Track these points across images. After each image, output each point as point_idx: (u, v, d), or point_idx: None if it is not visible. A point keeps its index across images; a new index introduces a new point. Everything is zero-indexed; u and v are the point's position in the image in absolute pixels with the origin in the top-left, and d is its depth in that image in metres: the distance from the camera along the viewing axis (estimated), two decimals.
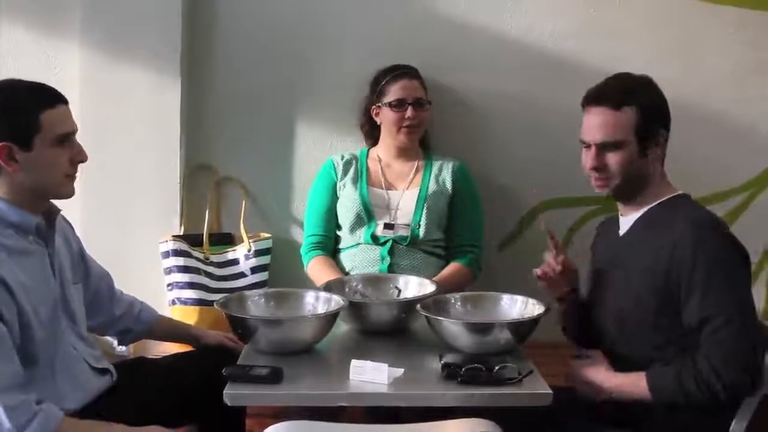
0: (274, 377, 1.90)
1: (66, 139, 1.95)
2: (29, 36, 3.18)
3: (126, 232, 3.16)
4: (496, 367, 1.93)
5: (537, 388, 1.92)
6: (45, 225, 2.02)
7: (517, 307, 2.28)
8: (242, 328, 2.12)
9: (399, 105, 2.92)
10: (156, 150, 3.13)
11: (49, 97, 1.94)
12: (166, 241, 3.10)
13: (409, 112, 2.91)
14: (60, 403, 1.96)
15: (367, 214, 2.91)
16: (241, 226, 3.22)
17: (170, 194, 3.17)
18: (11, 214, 1.93)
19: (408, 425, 1.36)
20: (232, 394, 1.87)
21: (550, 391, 1.90)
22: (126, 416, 2.06)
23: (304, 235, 3.04)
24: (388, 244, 2.88)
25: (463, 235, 2.98)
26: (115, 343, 2.40)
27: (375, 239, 2.89)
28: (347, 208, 2.94)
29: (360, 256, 2.91)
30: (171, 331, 2.51)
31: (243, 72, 3.23)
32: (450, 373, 1.94)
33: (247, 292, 2.37)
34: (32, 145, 1.89)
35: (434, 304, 2.26)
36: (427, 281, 2.48)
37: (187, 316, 3.03)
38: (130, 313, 2.40)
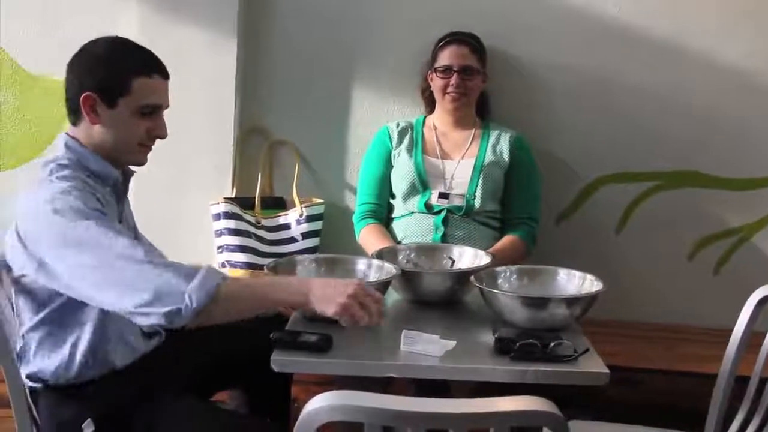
0: (324, 345, 1.86)
1: (151, 111, 1.93)
2: None
3: (177, 194, 3.15)
4: (551, 344, 1.86)
5: (593, 366, 1.85)
6: (121, 181, 2.02)
7: (574, 282, 2.21)
8: None
9: (445, 72, 2.87)
10: (211, 111, 3.12)
11: (148, 65, 1.93)
12: (218, 203, 3.08)
13: (453, 80, 2.86)
14: (106, 358, 1.94)
15: (421, 183, 2.85)
16: (294, 190, 3.19)
17: (223, 156, 3.16)
18: (93, 162, 1.93)
19: (460, 400, 1.30)
20: (279, 360, 1.83)
21: (607, 371, 1.82)
22: (170, 377, 2.05)
23: (357, 203, 3.00)
24: (443, 214, 2.82)
25: (520, 207, 2.92)
26: None
27: (429, 208, 2.84)
28: (401, 176, 2.89)
29: (413, 226, 2.85)
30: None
31: (300, 33, 3.18)
32: (503, 348, 1.88)
33: (298, 257, 2.34)
34: (116, 104, 1.89)
35: (488, 276, 2.20)
36: (481, 252, 2.41)
37: None
38: None
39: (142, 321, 1.74)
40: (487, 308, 2.12)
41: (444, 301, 2.26)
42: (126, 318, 1.86)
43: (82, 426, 1.90)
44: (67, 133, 1.97)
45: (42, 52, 3.23)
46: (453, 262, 2.43)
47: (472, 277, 2.15)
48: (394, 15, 3.15)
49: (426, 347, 1.86)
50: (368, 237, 2.87)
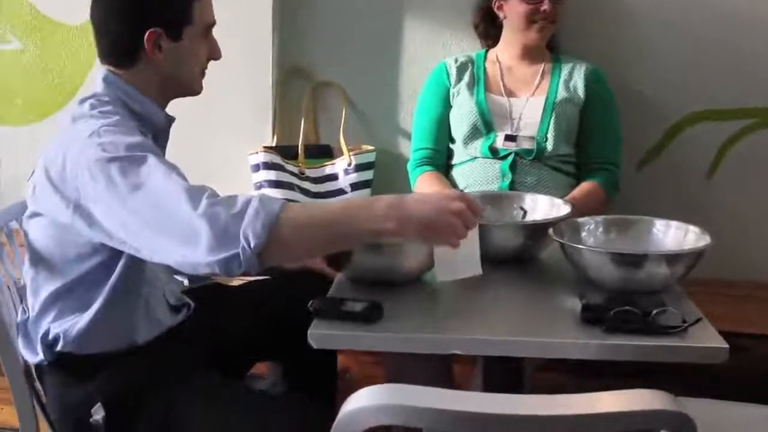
0: (372, 314, 1.54)
1: (210, 31, 1.81)
2: None
3: (212, 142, 2.96)
4: (654, 312, 1.52)
5: (707, 340, 1.49)
6: (165, 127, 1.82)
7: (672, 235, 1.86)
8: (336, 252, 1.76)
9: None
10: (245, 50, 2.89)
11: None
12: (257, 153, 2.86)
13: (545, 4, 2.55)
14: (130, 334, 1.73)
15: (484, 125, 2.57)
16: (341, 137, 2.95)
17: (261, 100, 2.95)
18: (137, 102, 1.73)
19: (550, 398, 0.96)
20: (318, 334, 1.51)
21: (725, 345, 1.48)
22: (196, 352, 1.82)
23: (412, 149, 2.73)
24: (510, 158, 2.53)
25: (598, 150, 2.63)
26: (185, 281, 2.11)
27: (494, 153, 2.55)
28: (462, 117, 2.61)
29: (476, 172, 2.56)
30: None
31: None
32: (593, 317, 1.54)
33: None
34: (182, 35, 1.74)
35: (569, 228, 1.86)
36: (559, 201, 2.07)
37: None
38: None
39: (196, 272, 1.51)
40: (568, 267, 1.79)
41: (516, 259, 1.93)
42: (157, 285, 1.76)
43: (92, 410, 1.68)
44: (106, 67, 1.75)
45: None
46: (525, 212, 2.10)
47: (550, 230, 1.81)
48: None
49: (465, 268, 1.60)
50: (425, 186, 2.59)
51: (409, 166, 2.69)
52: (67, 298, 1.70)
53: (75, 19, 3.05)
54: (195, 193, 1.47)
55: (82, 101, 1.71)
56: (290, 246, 1.48)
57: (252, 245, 1.42)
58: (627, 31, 2.83)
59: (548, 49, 2.71)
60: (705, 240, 1.75)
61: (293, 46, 2.97)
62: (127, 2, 1.72)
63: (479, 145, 2.56)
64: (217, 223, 1.43)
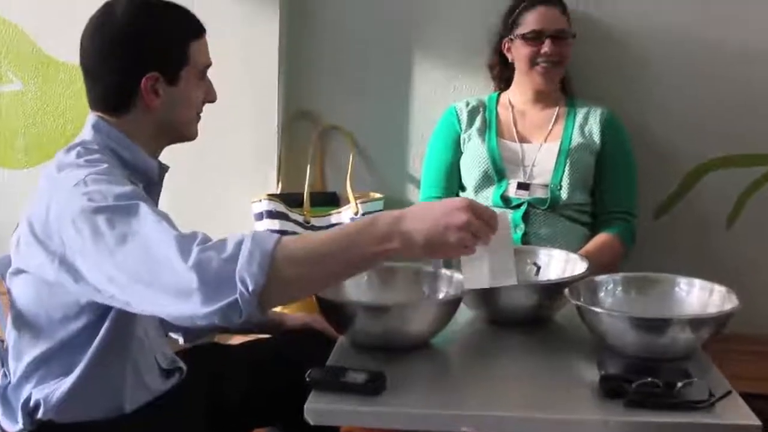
0: (374, 387, 1.43)
1: (206, 72, 1.75)
2: None
3: (214, 189, 2.87)
4: (679, 384, 1.41)
5: (738, 416, 1.38)
6: (157, 176, 1.73)
7: (697, 295, 1.76)
8: (337, 315, 1.68)
9: (535, 37, 2.50)
10: (250, 93, 2.82)
11: (196, 26, 1.72)
12: (260, 201, 2.76)
13: (546, 46, 2.48)
14: (117, 400, 1.62)
15: (496, 172, 2.49)
16: (348, 184, 2.86)
17: (266, 145, 2.85)
18: (127, 151, 1.65)
19: None
20: (316, 409, 1.40)
21: (758, 422, 1.37)
22: (191, 419, 1.72)
23: (421, 196, 2.65)
24: (523, 208, 2.44)
25: (614, 199, 2.55)
26: (180, 340, 2.01)
27: (506, 201, 2.47)
28: (473, 164, 2.53)
29: None
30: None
31: (354, 1, 2.85)
32: (612, 390, 1.43)
33: None
34: (179, 78, 1.67)
35: (586, 288, 1.76)
36: (575, 257, 1.97)
37: None
38: None
39: (194, 324, 1.41)
40: (584, 329, 1.69)
41: (529, 320, 1.83)
42: (148, 347, 1.68)
43: None
44: (97, 114, 1.67)
45: (65, 35, 2.93)
46: (539, 268, 2.00)
47: (566, 290, 1.71)
48: None
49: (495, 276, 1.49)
50: None
51: None
52: (51, 362, 1.61)
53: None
54: (185, 242, 1.37)
55: (69, 149, 1.62)
56: (291, 283, 1.39)
57: (250, 289, 1.33)
58: (641, 75, 2.76)
59: (563, 92, 2.64)
60: (732, 302, 1.66)
61: (299, 88, 2.90)
62: (122, 46, 1.64)
63: (491, 194, 2.48)
64: (209, 271, 1.34)
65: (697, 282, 1.78)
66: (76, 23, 2.89)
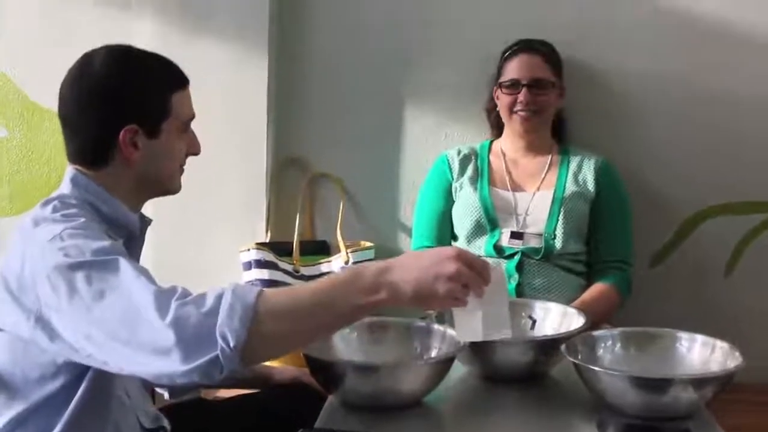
0: None
1: (189, 124, 1.68)
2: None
3: (201, 239, 2.82)
4: None
5: None
6: (138, 230, 1.67)
7: (698, 351, 1.70)
8: (326, 374, 1.61)
9: (511, 86, 2.50)
10: (239, 140, 2.79)
11: (179, 77, 1.66)
12: (249, 250, 2.72)
13: (521, 95, 2.47)
14: None
15: (489, 221, 2.45)
16: (338, 232, 2.82)
17: (255, 193, 2.82)
18: (106, 205, 1.59)
19: None
20: None
21: None
22: None
23: (413, 246, 2.61)
24: (516, 258, 2.39)
25: (610, 248, 2.51)
26: (166, 395, 1.94)
27: (499, 251, 2.42)
28: (465, 213, 2.49)
29: None
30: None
31: (342, 47, 2.85)
32: None
33: None
34: (159, 131, 1.60)
35: (584, 344, 1.70)
36: (572, 311, 1.91)
37: None
38: None
39: (174, 383, 1.34)
40: (582, 386, 1.63)
41: (524, 377, 1.77)
42: (129, 406, 1.59)
43: None
44: (75, 167, 1.61)
45: (52, 82, 2.92)
46: (534, 322, 1.94)
47: (563, 347, 1.65)
48: (453, 25, 2.78)
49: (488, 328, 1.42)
50: None
51: None
52: (27, 425, 1.52)
53: None
54: (163, 298, 1.31)
55: (46, 203, 1.56)
56: (275, 338, 1.33)
57: (231, 345, 1.27)
58: (638, 124, 2.75)
59: (555, 140, 2.61)
60: (735, 359, 1.60)
61: (289, 135, 2.87)
62: (99, 97, 1.59)
63: (483, 244, 2.44)
64: (188, 327, 1.28)
65: (699, 338, 1.71)
66: (63, 71, 2.93)
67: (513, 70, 2.50)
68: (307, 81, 2.86)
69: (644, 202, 2.71)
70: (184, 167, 1.69)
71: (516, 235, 2.42)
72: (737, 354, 1.60)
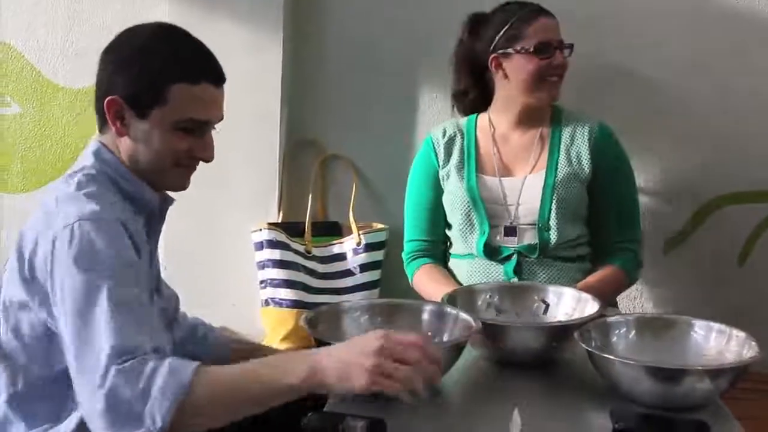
0: None
1: (195, 127, 1.59)
2: None
3: (213, 219, 2.81)
4: None
5: None
6: (157, 211, 1.67)
7: (714, 339, 1.67)
8: None
9: (544, 49, 2.24)
10: (252, 122, 2.77)
11: (193, 68, 1.57)
12: (261, 230, 2.73)
13: (557, 58, 2.26)
14: None
15: (478, 215, 2.28)
16: (351, 214, 2.82)
17: (267, 174, 2.82)
18: (126, 182, 1.59)
19: None
20: None
21: None
22: None
23: (405, 237, 2.44)
24: (513, 260, 2.25)
25: (615, 228, 2.33)
26: None
27: (492, 253, 2.27)
28: (453, 207, 2.32)
29: (477, 274, 2.29)
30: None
31: (357, 28, 2.82)
32: None
33: (345, 305, 1.82)
34: (147, 115, 1.56)
35: (598, 331, 1.68)
36: (587, 297, 1.87)
37: (282, 320, 2.67)
38: (193, 337, 1.91)
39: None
40: (595, 374, 1.61)
41: (537, 362, 1.75)
42: None
43: None
44: (98, 140, 1.61)
45: (64, 59, 3.01)
46: (547, 306, 1.91)
47: (576, 333, 1.63)
48: (472, 8, 2.66)
49: None
50: (425, 282, 2.32)
51: (404, 257, 2.42)
52: (29, 407, 1.55)
53: (78, 82, 2.97)
54: (109, 360, 1.32)
55: (71, 176, 1.56)
56: (203, 416, 1.35)
57: (159, 426, 1.29)
58: (650, 108, 2.70)
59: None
60: (752, 349, 1.57)
61: (302, 117, 2.86)
62: (108, 57, 1.60)
63: (475, 242, 2.28)
64: (119, 403, 1.31)
65: (715, 326, 1.69)
66: (76, 48, 2.94)
67: (539, 32, 2.26)
68: (321, 63, 2.84)
69: (657, 188, 2.69)
70: (192, 167, 1.65)
71: (509, 231, 2.27)
72: (753, 343, 1.58)
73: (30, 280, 1.48)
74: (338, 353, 1.35)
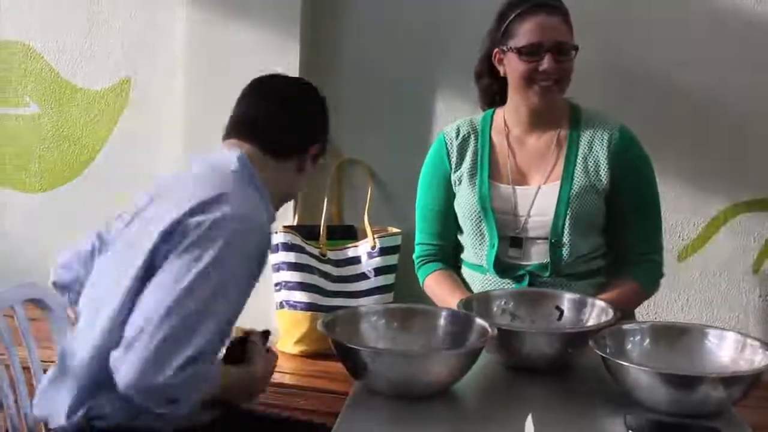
0: None
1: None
2: None
3: None
4: None
5: None
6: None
7: (728, 347, 1.68)
8: (353, 361, 1.60)
9: (532, 52, 2.06)
10: None
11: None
12: (276, 233, 2.69)
13: (546, 63, 2.05)
14: None
15: (488, 227, 2.13)
16: (366, 218, 2.81)
17: None
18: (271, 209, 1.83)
19: None
20: None
21: None
22: None
23: (416, 239, 2.32)
24: (525, 281, 2.11)
25: (636, 239, 2.17)
26: None
27: (504, 271, 2.13)
28: (464, 215, 2.19)
29: (490, 288, 2.15)
30: None
31: (373, 33, 2.82)
32: None
33: (362, 309, 1.84)
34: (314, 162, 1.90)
35: (612, 338, 1.69)
36: (602, 304, 1.87)
37: (297, 323, 2.67)
38: None
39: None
40: (609, 380, 1.62)
41: (552, 368, 1.76)
42: None
43: None
44: (243, 151, 1.78)
45: (83, 60, 3.01)
46: (562, 312, 1.92)
47: (591, 340, 1.63)
48: (486, 10, 2.63)
49: None
50: (436, 288, 2.22)
51: (414, 260, 2.31)
52: None
53: (96, 84, 2.98)
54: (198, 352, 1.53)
55: (232, 171, 1.72)
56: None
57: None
58: (665, 115, 2.69)
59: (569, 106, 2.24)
60: (766, 357, 1.58)
61: None
62: (307, 106, 1.92)
63: (485, 255, 2.15)
64: (155, 387, 1.51)
65: (729, 334, 1.70)
66: (94, 49, 2.95)
67: (532, 32, 2.07)
68: (338, 67, 2.83)
69: (672, 196, 2.65)
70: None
71: (516, 242, 2.12)
72: (767, 352, 1.59)
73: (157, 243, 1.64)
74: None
